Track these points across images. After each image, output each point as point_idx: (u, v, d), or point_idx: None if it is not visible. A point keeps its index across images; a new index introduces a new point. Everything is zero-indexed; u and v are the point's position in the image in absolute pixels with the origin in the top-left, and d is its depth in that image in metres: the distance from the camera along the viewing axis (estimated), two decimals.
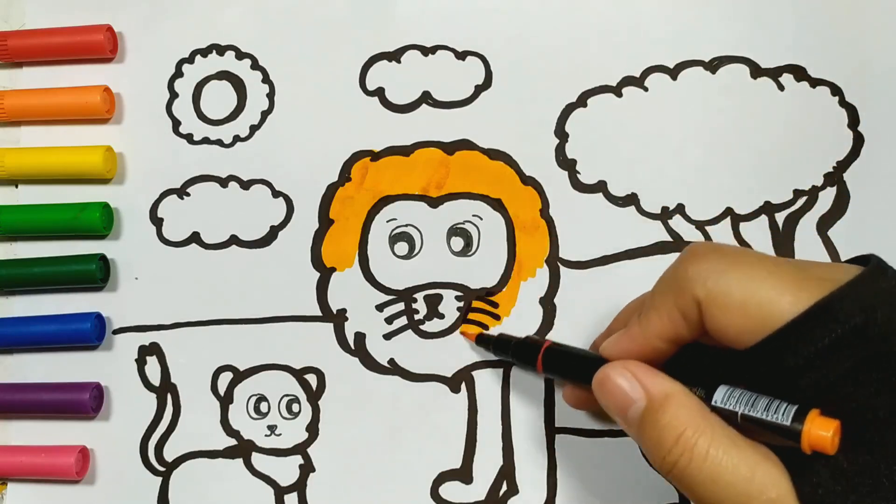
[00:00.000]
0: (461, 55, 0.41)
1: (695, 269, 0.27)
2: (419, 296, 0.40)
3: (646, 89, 0.40)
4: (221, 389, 0.41)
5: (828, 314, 0.24)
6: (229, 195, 0.42)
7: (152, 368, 0.42)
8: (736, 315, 0.26)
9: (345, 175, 0.41)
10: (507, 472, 0.39)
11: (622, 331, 0.31)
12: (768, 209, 0.39)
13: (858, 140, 0.39)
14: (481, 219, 0.40)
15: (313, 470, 0.40)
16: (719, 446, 0.25)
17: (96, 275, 0.41)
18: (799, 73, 0.39)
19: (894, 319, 0.24)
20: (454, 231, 0.40)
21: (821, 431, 0.24)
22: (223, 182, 0.42)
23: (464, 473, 0.39)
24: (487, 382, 0.39)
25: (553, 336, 0.39)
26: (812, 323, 0.25)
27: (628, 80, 0.40)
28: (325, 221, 0.41)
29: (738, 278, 0.26)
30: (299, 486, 0.40)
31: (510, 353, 0.37)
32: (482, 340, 0.39)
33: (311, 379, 0.40)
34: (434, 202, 0.41)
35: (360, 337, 0.40)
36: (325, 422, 0.40)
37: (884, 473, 0.24)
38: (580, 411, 0.38)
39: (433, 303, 0.40)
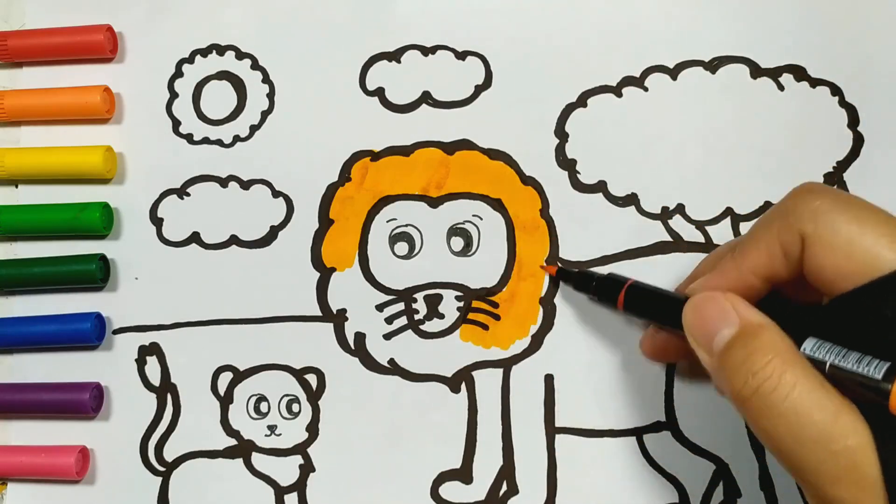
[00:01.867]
0: (461, 55, 0.41)
1: (805, 204, 0.27)
2: (419, 296, 0.40)
3: (646, 89, 0.40)
4: (221, 389, 0.41)
5: None
6: (229, 195, 0.42)
7: (152, 368, 0.42)
8: (840, 256, 0.25)
9: (345, 175, 0.41)
10: (507, 472, 0.39)
11: (712, 271, 0.30)
12: (768, 209, 0.39)
13: (858, 140, 0.39)
14: (481, 219, 0.40)
15: (313, 470, 0.40)
16: (808, 382, 0.25)
17: (96, 275, 0.41)
18: (799, 73, 0.39)
19: None
20: (454, 231, 0.40)
21: None
22: (223, 182, 0.42)
23: (464, 473, 0.39)
24: (487, 382, 0.39)
25: (553, 335, 0.39)
26: None
27: (628, 80, 0.40)
28: (325, 221, 0.41)
29: (848, 220, 0.26)
30: (299, 486, 0.40)
31: (592, 289, 0.36)
32: (562, 275, 0.38)
33: (311, 379, 0.40)
34: (434, 202, 0.41)
35: (360, 337, 0.40)
36: (325, 422, 0.40)
37: None
38: (582, 409, 0.38)
39: (433, 303, 0.40)
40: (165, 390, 0.41)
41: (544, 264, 0.39)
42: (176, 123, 0.43)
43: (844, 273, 0.25)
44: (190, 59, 0.43)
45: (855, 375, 0.25)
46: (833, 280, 0.26)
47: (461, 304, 0.40)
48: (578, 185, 0.40)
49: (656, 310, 0.33)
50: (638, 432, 0.38)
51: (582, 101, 0.40)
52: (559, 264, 0.39)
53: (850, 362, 0.25)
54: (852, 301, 0.25)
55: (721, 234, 0.39)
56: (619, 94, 0.40)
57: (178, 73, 0.43)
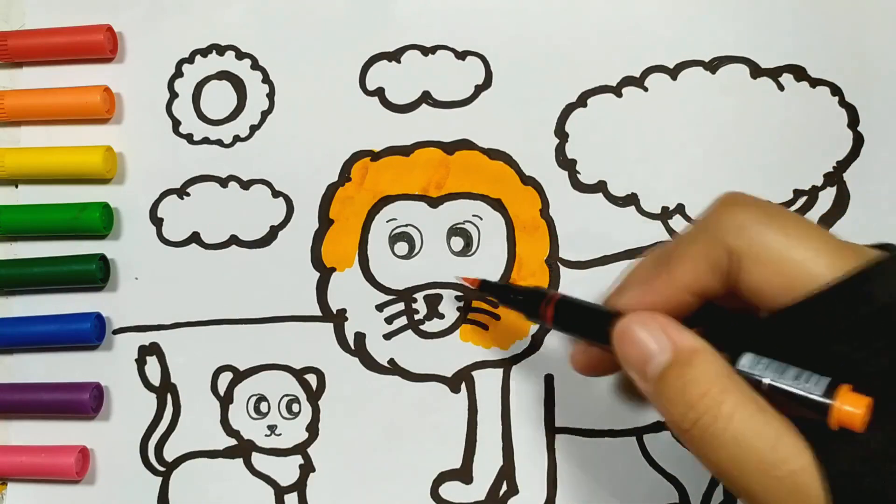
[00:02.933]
0: (461, 55, 0.41)
1: (730, 218, 0.26)
2: (419, 296, 0.40)
3: (646, 89, 0.40)
4: (221, 389, 0.41)
5: (868, 285, 0.23)
6: (229, 195, 0.42)
7: (152, 368, 0.42)
8: (772, 271, 0.25)
9: (345, 175, 0.41)
10: (507, 472, 0.39)
11: (643, 286, 0.29)
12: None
13: (858, 140, 0.39)
14: (481, 219, 0.40)
15: (313, 470, 0.40)
16: (746, 409, 0.24)
17: (96, 275, 0.41)
18: (799, 73, 0.39)
19: None
20: (454, 231, 0.40)
21: (852, 408, 0.23)
22: (223, 182, 0.42)
23: (464, 473, 0.39)
24: (487, 382, 0.39)
25: (553, 335, 0.39)
26: (851, 291, 0.23)
27: (628, 80, 0.40)
28: (325, 221, 0.41)
29: (776, 233, 0.25)
30: (299, 486, 0.40)
31: (516, 304, 0.35)
32: (486, 287, 0.37)
33: (311, 379, 0.40)
34: (434, 202, 0.41)
35: (360, 337, 0.40)
36: (325, 422, 0.40)
37: None
38: (582, 409, 0.38)
39: (433, 303, 0.40)
40: (165, 390, 0.41)
41: (466, 280, 0.38)
42: (176, 123, 0.43)
43: (776, 288, 0.25)
44: (190, 59, 0.43)
45: (793, 395, 0.24)
46: (765, 295, 0.25)
47: (461, 304, 0.40)
48: (578, 185, 0.40)
49: (587, 327, 0.30)
50: (638, 432, 0.38)
51: (582, 101, 0.40)
52: (481, 278, 0.37)
53: (788, 379, 0.25)
54: (788, 317, 0.25)
55: None
56: (619, 94, 0.40)
57: (178, 73, 0.43)
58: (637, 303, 0.28)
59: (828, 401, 0.23)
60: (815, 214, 0.38)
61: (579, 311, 0.31)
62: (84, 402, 0.40)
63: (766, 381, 0.25)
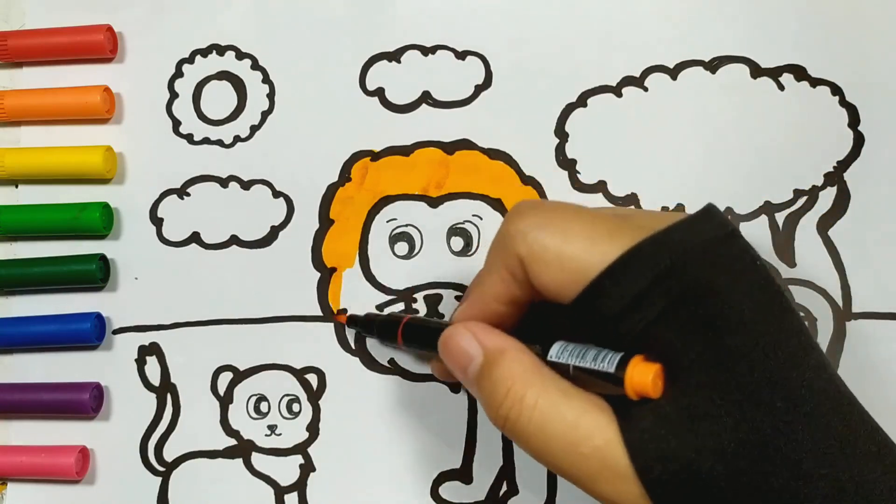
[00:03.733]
0: (461, 55, 0.41)
1: (515, 226, 0.27)
2: (419, 296, 0.40)
3: (646, 89, 0.40)
4: (221, 389, 0.41)
5: (637, 260, 0.25)
6: (229, 195, 0.42)
7: (152, 368, 0.42)
8: (554, 269, 0.26)
9: (345, 175, 0.41)
10: (507, 472, 0.39)
11: (464, 301, 0.31)
12: (768, 209, 0.39)
13: (858, 140, 0.39)
14: (481, 219, 0.40)
15: (314, 470, 0.40)
16: (548, 397, 0.26)
17: (96, 275, 0.41)
18: (799, 73, 0.39)
19: (704, 263, 0.25)
20: (454, 231, 0.40)
21: (641, 377, 0.24)
22: (223, 182, 0.42)
23: (464, 473, 0.39)
24: None
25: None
26: (622, 270, 0.25)
27: (628, 80, 0.40)
28: (326, 221, 0.41)
29: (554, 232, 0.27)
30: (299, 486, 0.40)
31: (375, 332, 0.38)
32: (352, 322, 0.39)
33: (312, 379, 0.40)
34: (434, 202, 0.41)
35: (360, 337, 0.40)
36: (326, 421, 0.40)
37: (703, 414, 0.24)
38: None
39: (433, 303, 0.40)
40: (165, 390, 0.41)
41: (336, 314, 0.40)
42: (176, 123, 0.43)
43: (564, 284, 0.26)
44: (190, 59, 0.43)
45: (594, 372, 0.26)
46: (557, 291, 0.27)
47: None
48: (578, 185, 0.40)
49: (429, 341, 0.33)
50: None
51: (582, 101, 0.40)
52: (348, 312, 0.40)
53: (588, 361, 0.26)
54: (579, 307, 0.26)
55: None
56: (619, 94, 0.40)
57: (178, 73, 0.43)
58: (463, 314, 0.31)
59: (621, 373, 0.25)
60: (815, 214, 0.38)
61: (420, 330, 0.35)
62: (84, 402, 0.40)
63: (571, 364, 0.27)
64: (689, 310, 0.24)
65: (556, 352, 0.27)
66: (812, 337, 0.25)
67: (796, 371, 0.24)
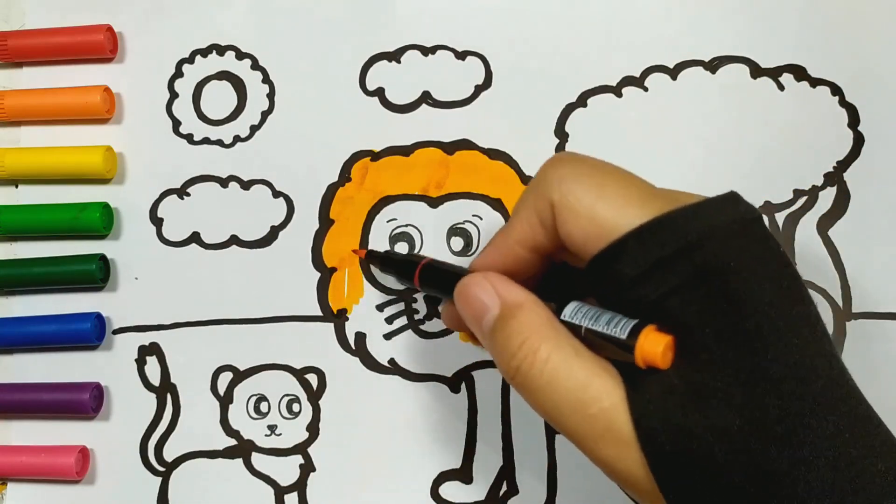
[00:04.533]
0: (461, 55, 0.41)
1: (552, 172, 0.27)
2: (419, 296, 0.40)
3: (646, 89, 0.40)
4: (221, 389, 0.41)
5: (665, 228, 0.25)
6: (229, 195, 0.42)
7: (152, 368, 0.42)
8: (584, 220, 0.26)
9: (345, 175, 0.41)
10: (507, 472, 0.39)
11: (487, 246, 0.31)
12: (768, 209, 0.39)
13: (858, 140, 0.39)
14: (481, 219, 0.40)
15: (313, 470, 0.40)
16: (561, 353, 0.26)
17: (96, 275, 0.41)
18: (799, 73, 0.39)
19: (730, 242, 0.25)
20: (454, 231, 0.40)
21: (652, 346, 0.24)
22: (223, 182, 0.42)
23: (464, 473, 0.39)
24: (487, 382, 0.39)
25: None
26: (649, 235, 0.25)
27: (628, 80, 0.40)
28: (326, 221, 0.41)
29: (590, 185, 0.27)
30: (299, 486, 0.40)
31: (393, 269, 0.37)
32: (371, 257, 0.39)
33: (312, 379, 0.40)
34: (434, 202, 0.41)
35: (360, 337, 0.40)
36: (326, 421, 0.40)
37: (712, 391, 0.24)
38: None
39: (433, 303, 0.40)
40: (165, 390, 0.41)
41: (352, 250, 0.40)
42: (176, 123, 0.43)
43: (590, 237, 0.26)
44: (190, 59, 0.43)
45: (605, 336, 0.26)
46: (582, 244, 0.27)
47: None
48: None
49: (445, 287, 0.33)
50: None
51: (582, 101, 0.40)
52: (369, 248, 0.40)
53: (601, 324, 0.26)
54: (599, 263, 0.26)
55: None
56: (619, 94, 0.40)
57: (178, 73, 0.43)
58: (483, 262, 0.30)
59: (633, 341, 0.25)
60: (815, 214, 0.38)
61: (438, 274, 0.34)
62: (84, 402, 0.40)
63: (584, 326, 0.27)
64: (710, 285, 0.24)
65: (571, 311, 0.27)
66: (825, 327, 0.25)
67: (808, 358, 0.24)
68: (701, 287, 0.24)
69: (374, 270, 0.41)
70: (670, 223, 0.25)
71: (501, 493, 0.39)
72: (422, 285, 0.35)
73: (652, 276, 0.25)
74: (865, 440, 0.23)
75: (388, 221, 0.41)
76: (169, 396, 0.41)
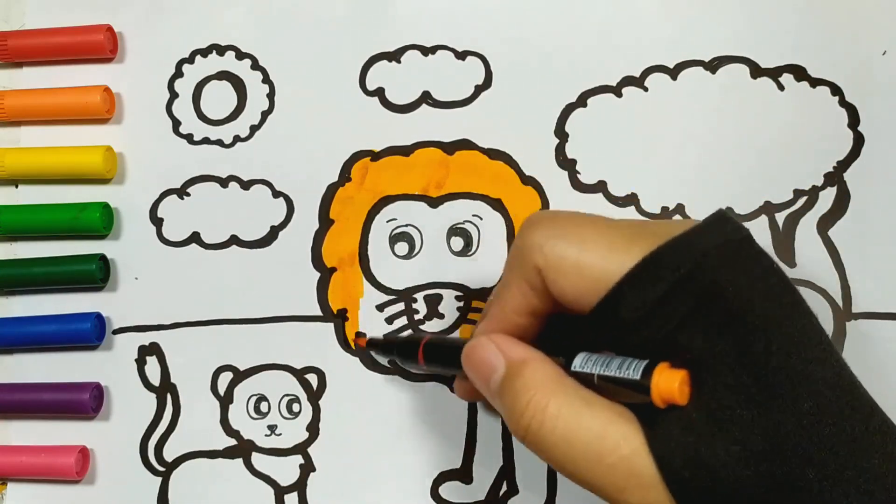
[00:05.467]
0: (461, 55, 0.41)
1: (531, 237, 0.28)
2: (419, 296, 0.40)
3: (646, 89, 0.40)
4: (221, 389, 0.41)
5: (657, 266, 0.25)
6: (229, 195, 0.42)
7: (152, 368, 0.42)
8: (572, 277, 0.26)
9: (345, 175, 0.41)
10: (507, 472, 0.39)
11: (484, 318, 0.31)
12: (768, 209, 0.39)
13: (858, 140, 0.39)
14: (481, 219, 0.40)
15: (314, 470, 0.40)
16: (571, 407, 0.26)
17: (96, 275, 0.41)
18: (799, 73, 0.39)
19: (724, 266, 0.25)
20: (454, 231, 0.40)
21: (668, 384, 0.24)
22: (223, 182, 0.42)
23: (464, 473, 0.39)
24: None
25: None
26: (642, 275, 0.25)
27: (628, 80, 0.40)
28: (326, 221, 0.41)
29: (571, 240, 0.27)
30: (299, 486, 0.40)
31: (395, 353, 0.38)
32: (372, 345, 0.39)
33: (312, 379, 0.40)
34: (434, 202, 0.41)
35: (360, 337, 0.40)
36: (326, 421, 0.40)
37: (729, 418, 0.23)
38: None
39: (433, 303, 0.40)
40: (165, 390, 0.41)
41: (357, 341, 0.40)
42: (176, 123, 0.43)
43: (582, 291, 0.26)
44: (190, 59, 0.43)
45: (619, 381, 0.25)
46: (576, 299, 0.27)
47: (461, 304, 0.40)
48: (578, 185, 0.40)
49: (449, 361, 0.33)
50: None
51: (582, 101, 0.40)
52: (367, 336, 0.40)
53: (612, 369, 0.26)
54: (599, 314, 0.26)
55: None
56: (619, 94, 0.40)
57: (178, 73, 0.43)
58: (485, 331, 0.30)
59: (647, 381, 0.25)
60: (815, 214, 0.38)
61: (441, 349, 0.34)
62: (84, 402, 0.40)
63: (596, 374, 0.26)
64: (712, 313, 0.24)
65: (581, 362, 0.27)
66: (828, 336, 0.25)
67: (819, 371, 0.24)
68: (703, 315, 0.24)
69: (377, 271, 0.41)
70: (660, 260, 0.25)
71: (501, 493, 0.39)
72: (427, 363, 0.35)
73: (653, 316, 0.25)
74: (884, 448, 0.23)
75: (388, 221, 0.41)
76: (169, 396, 0.41)
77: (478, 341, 0.29)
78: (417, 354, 0.35)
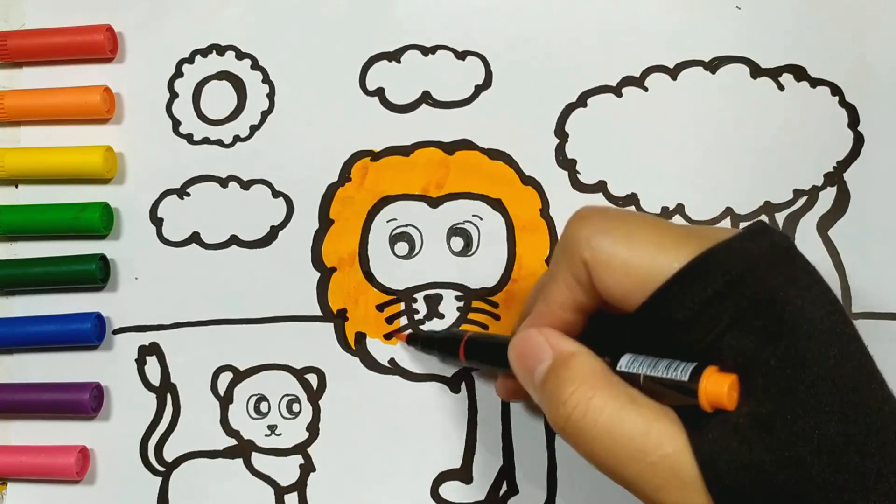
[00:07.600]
0: (461, 55, 0.41)
1: (580, 231, 0.27)
2: (419, 296, 0.40)
3: (646, 89, 0.40)
4: (221, 389, 0.41)
5: (707, 267, 0.25)
6: (229, 195, 0.42)
7: (152, 368, 0.42)
8: (619, 274, 0.26)
9: (345, 175, 0.41)
10: (507, 472, 0.39)
11: (530, 314, 0.31)
12: (768, 209, 0.39)
13: (858, 140, 0.39)
14: (481, 219, 0.40)
15: (314, 470, 0.40)
16: (616, 402, 0.25)
17: (96, 275, 0.41)
18: (799, 73, 0.39)
19: (774, 273, 0.25)
20: (454, 231, 0.40)
21: (716, 387, 0.24)
22: (223, 182, 0.42)
23: (464, 473, 0.39)
24: (487, 382, 0.39)
25: None
26: (693, 276, 0.25)
27: (628, 80, 0.40)
28: (326, 221, 0.41)
29: (620, 237, 0.27)
30: (299, 486, 0.40)
31: (436, 349, 0.38)
32: (412, 340, 0.39)
33: (312, 379, 0.40)
34: (434, 202, 0.41)
35: (360, 337, 0.40)
36: (326, 421, 0.40)
37: (776, 424, 0.23)
38: None
39: (433, 303, 0.40)
40: (165, 390, 0.41)
41: (398, 335, 0.40)
42: (176, 123, 0.43)
43: (630, 289, 0.26)
44: (190, 59, 0.43)
45: (666, 382, 0.25)
46: (622, 296, 0.26)
47: (461, 304, 0.40)
48: (578, 185, 0.40)
49: (492, 357, 0.33)
50: None
51: (582, 101, 0.40)
52: (409, 331, 0.40)
53: (659, 370, 0.26)
54: (646, 313, 0.26)
55: None
56: (619, 94, 0.40)
57: (178, 73, 0.43)
58: (529, 326, 0.30)
59: (695, 384, 0.24)
60: (815, 214, 0.38)
61: (483, 345, 0.35)
62: (84, 402, 0.40)
63: (642, 374, 0.26)
64: (762, 318, 0.24)
65: (626, 362, 0.27)
66: (867, 347, 0.25)
67: (863, 380, 0.24)
68: (753, 320, 0.24)
69: (377, 271, 0.41)
70: (710, 262, 0.25)
71: (501, 493, 0.39)
72: (468, 359, 0.35)
73: (702, 318, 0.25)
74: None
75: (388, 221, 0.41)
76: (169, 396, 0.41)
77: (527, 333, 0.29)
78: (458, 350, 0.35)
